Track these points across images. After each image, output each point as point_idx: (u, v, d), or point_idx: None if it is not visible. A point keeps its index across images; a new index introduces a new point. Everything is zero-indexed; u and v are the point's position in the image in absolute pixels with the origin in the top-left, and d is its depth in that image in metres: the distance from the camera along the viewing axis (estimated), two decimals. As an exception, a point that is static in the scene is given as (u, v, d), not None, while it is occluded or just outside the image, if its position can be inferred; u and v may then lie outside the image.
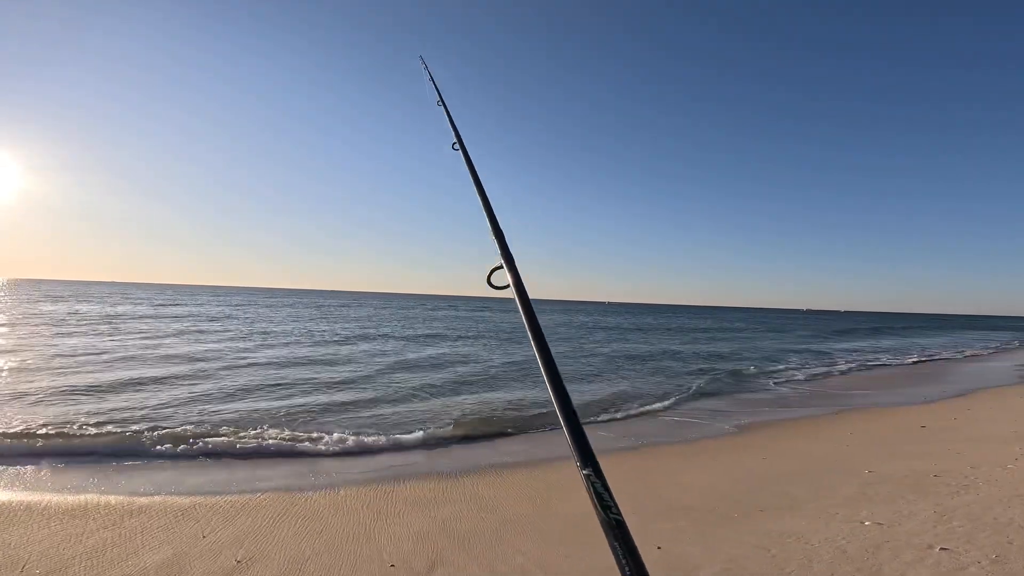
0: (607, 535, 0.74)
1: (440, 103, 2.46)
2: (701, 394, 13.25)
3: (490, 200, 1.67)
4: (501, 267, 1.32)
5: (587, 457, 0.82)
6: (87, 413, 8.95)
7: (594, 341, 28.30)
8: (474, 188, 1.76)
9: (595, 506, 0.77)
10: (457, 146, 2.06)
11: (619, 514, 0.76)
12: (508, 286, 1.25)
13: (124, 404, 9.78)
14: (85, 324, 25.78)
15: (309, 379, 13.35)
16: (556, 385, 0.96)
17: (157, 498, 5.49)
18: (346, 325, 33.68)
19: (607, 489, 0.78)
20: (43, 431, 7.62)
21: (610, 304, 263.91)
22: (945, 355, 25.90)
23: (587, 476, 0.80)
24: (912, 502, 5.17)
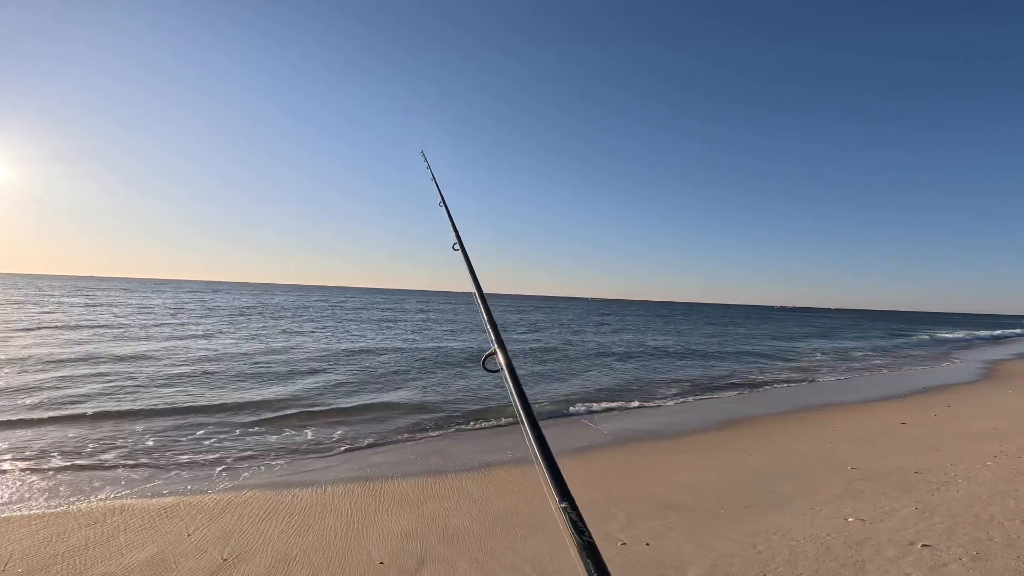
0: (581, 555, 0.86)
1: (442, 204, 2.59)
2: (687, 391, 13.33)
3: (483, 291, 1.90)
4: (494, 353, 1.49)
5: (564, 492, 0.95)
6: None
7: (582, 341, 28.42)
8: (472, 287, 1.97)
9: (572, 533, 0.89)
10: (458, 247, 2.23)
11: (591, 537, 0.88)
12: (500, 369, 1.45)
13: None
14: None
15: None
16: (536, 434, 1.10)
17: (139, 497, 5.43)
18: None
19: (580, 518, 0.91)
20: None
21: (593, 300, 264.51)
22: (925, 352, 26.35)
23: (564, 509, 0.93)
24: (894, 499, 5.25)
